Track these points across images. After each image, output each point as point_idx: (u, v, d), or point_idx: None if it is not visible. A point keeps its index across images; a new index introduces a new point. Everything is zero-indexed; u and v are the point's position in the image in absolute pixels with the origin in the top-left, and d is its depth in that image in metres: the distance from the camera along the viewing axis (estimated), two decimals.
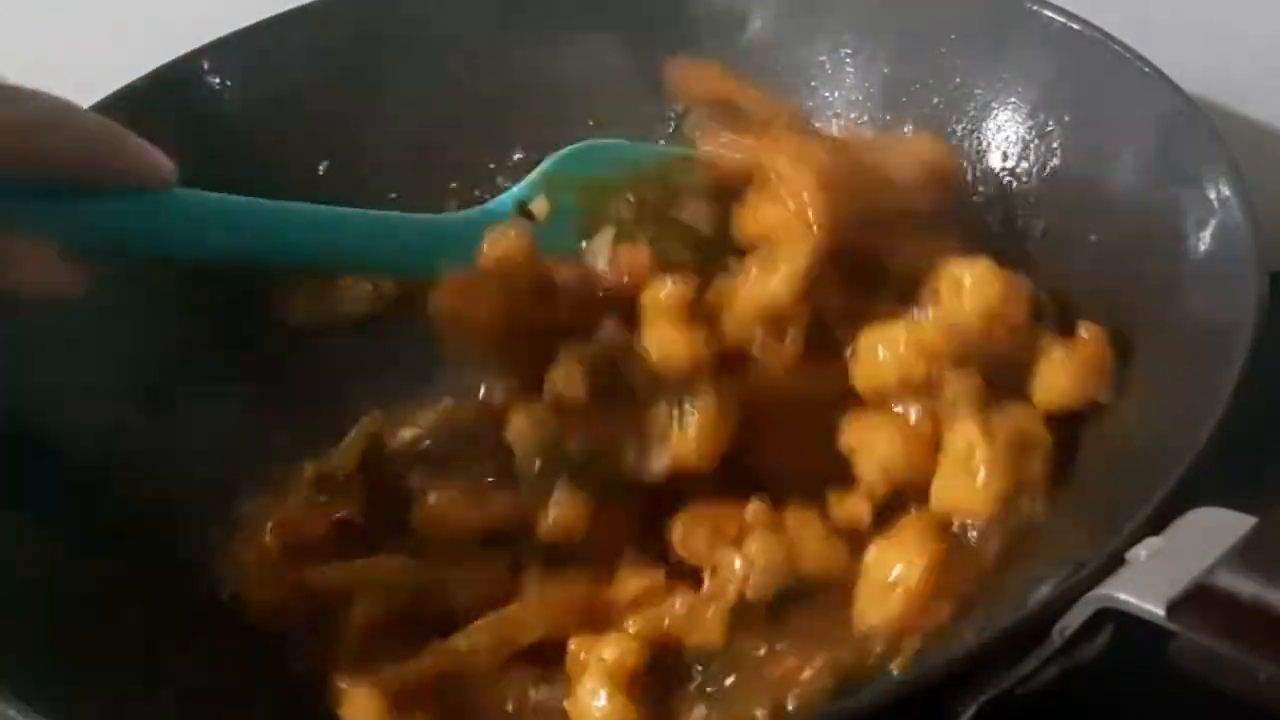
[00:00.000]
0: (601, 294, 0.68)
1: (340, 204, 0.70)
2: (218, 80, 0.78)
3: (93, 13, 0.81)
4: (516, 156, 0.83)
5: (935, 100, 0.77)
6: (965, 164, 0.76)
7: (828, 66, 0.80)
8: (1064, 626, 0.50)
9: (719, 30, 0.81)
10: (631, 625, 0.62)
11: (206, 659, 0.63)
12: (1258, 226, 0.61)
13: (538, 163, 0.75)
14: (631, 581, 0.63)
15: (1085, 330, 0.64)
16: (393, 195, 0.81)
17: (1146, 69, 0.68)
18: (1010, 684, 0.51)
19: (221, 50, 0.78)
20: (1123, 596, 0.48)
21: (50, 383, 0.70)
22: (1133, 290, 0.67)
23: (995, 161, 0.76)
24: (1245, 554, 0.47)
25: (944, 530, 0.61)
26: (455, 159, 0.83)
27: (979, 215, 0.75)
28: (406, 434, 0.72)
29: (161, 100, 0.77)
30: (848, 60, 0.80)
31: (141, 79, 0.76)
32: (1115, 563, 0.50)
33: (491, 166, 0.83)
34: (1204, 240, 0.63)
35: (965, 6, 0.76)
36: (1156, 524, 0.51)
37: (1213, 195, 0.63)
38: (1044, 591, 0.52)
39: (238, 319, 0.77)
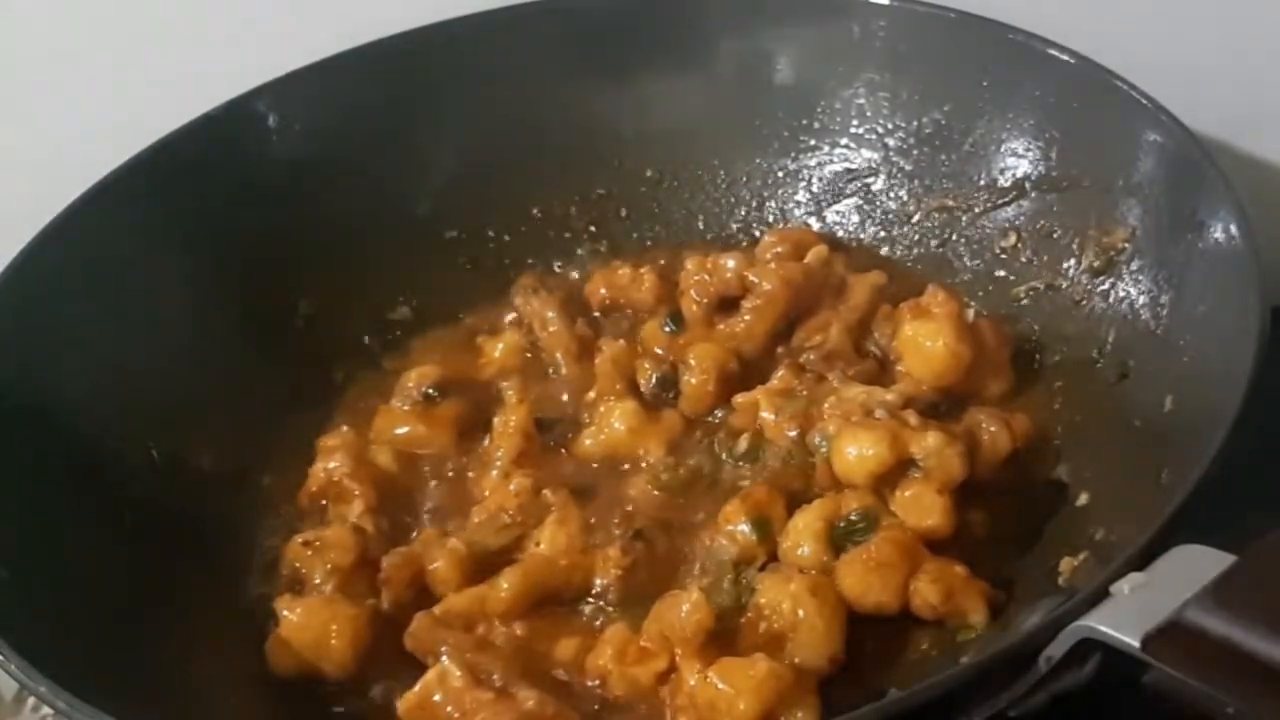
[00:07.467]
0: None
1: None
2: (274, 119, 0.82)
3: (152, 58, 0.85)
4: (576, 198, 0.87)
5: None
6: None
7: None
8: (1049, 655, 0.52)
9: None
10: None
11: None
12: (1260, 263, 0.62)
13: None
14: None
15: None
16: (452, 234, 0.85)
17: (1149, 104, 0.70)
18: (1001, 707, 0.54)
19: (277, 91, 0.82)
20: (1102, 628, 0.50)
21: None
22: (1132, 322, 0.69)
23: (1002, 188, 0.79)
24: (1218, 592, 0.49)
25: None
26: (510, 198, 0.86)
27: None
28: None
29: (219, 138, 0.81)
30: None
31: (196, 119, 0.80)
32: (1101, 595, 0.52)
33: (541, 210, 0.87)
34: (1206, 274, 0.65)
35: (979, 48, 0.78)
36: (1144, 559, 0.53)
37: (1216, 231, 0.64)
38: (1033, 620, 0.55)
39: None
